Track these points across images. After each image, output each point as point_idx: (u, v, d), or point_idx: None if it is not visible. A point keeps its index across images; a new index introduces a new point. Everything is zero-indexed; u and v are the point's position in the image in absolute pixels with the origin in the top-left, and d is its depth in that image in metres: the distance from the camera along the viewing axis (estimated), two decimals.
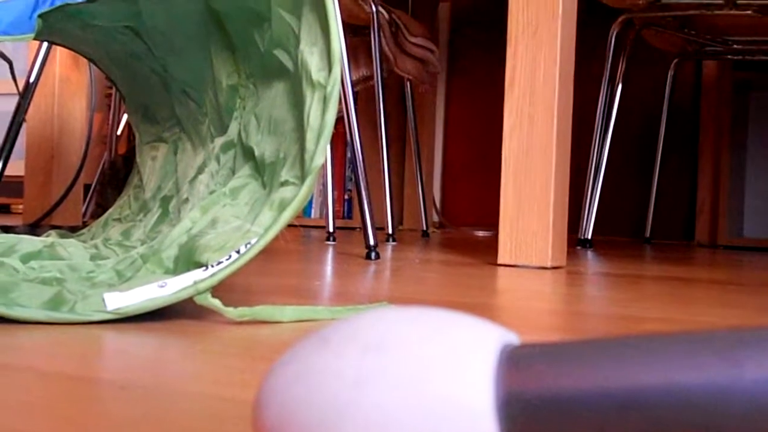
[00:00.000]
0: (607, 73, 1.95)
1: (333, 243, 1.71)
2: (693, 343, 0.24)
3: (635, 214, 2.51)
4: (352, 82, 1.51)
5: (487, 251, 1.60)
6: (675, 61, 2.23)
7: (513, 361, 0.25)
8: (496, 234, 1.37)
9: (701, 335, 0.25)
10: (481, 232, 2.47)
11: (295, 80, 0.69)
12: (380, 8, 1.95)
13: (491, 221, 2.63)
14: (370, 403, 0.25)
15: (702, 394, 0.23)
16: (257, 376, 0.44)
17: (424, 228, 2.28)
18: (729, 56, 2.18)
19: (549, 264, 1.23)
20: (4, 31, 1.01)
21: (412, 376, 0.25)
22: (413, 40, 2.10)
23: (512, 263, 1.25)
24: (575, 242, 1.93)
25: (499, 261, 1.26)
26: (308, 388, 0.26)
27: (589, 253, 1.69)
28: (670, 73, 2.24)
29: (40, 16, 0.96)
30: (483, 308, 0.77)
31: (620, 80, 1.97)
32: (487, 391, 0.25)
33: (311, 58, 0.66)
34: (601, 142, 1.95)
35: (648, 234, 2.28)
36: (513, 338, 0.27)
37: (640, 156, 2.52)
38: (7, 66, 1.14)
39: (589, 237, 1.89)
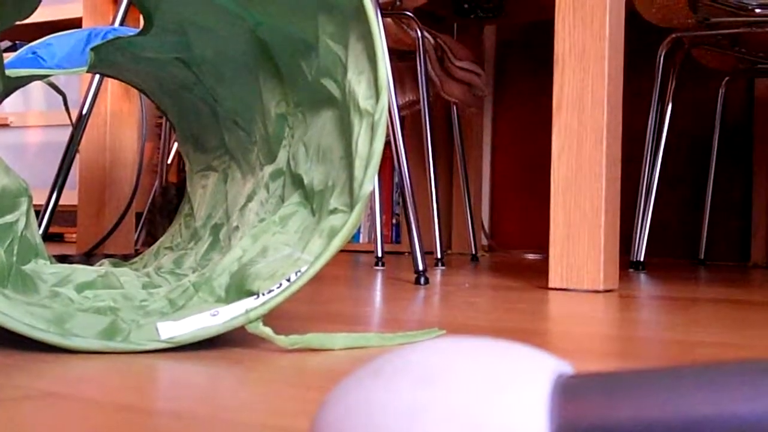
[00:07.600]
0: (656, 93, 1.93)
1: (382, 268, 1.71)
2: (750, 371, 0.24)
3: (688, 235, 2.47)
4: (398, 107, 1.51)
5: (537, 275, 1.59)
6: (726, 79, 2.20)
7: (567, 391, 0.25)
8: (546, 257, 1.36)
9: (758, 364, 0.24)
10: (531, 255, 2.46)
11: (342, 109, 0.70)
12: (425, 33, 1.96)
13: (541, 244, 2.62)
14: None
15: (759, 424, 0.23)
16: (310, 405, 0.45)
17: (473, 252, 2.27)
18: None
19: (601, 287, 1.22)
20: (58, 65, 1.03)
21: (465, 408, 0.24)
22: (459, 64, 2.10)
23: (563, 287, 1.24)
24: (627, 264, 1.91)
25: (550, 285, 1.25)
26: (361, 420, 0.26)
27: (642, 276, 1.66)
28: (722, 91, 2.21)
29: (92, 49, 0.98)
30: (535, 334, 0.76)
31: (670, 99, 1.95)
32: (542, 422, 0.24)
33: (359, 86, 0.66)
34: (652, 162, 1.93)
35: (702, 255, 2.24)
36: (567, 368, 0.27)
37: (692, 176, 2.49)
38: (60, 98, 1.17)
39: (642, 259, 1.87)
